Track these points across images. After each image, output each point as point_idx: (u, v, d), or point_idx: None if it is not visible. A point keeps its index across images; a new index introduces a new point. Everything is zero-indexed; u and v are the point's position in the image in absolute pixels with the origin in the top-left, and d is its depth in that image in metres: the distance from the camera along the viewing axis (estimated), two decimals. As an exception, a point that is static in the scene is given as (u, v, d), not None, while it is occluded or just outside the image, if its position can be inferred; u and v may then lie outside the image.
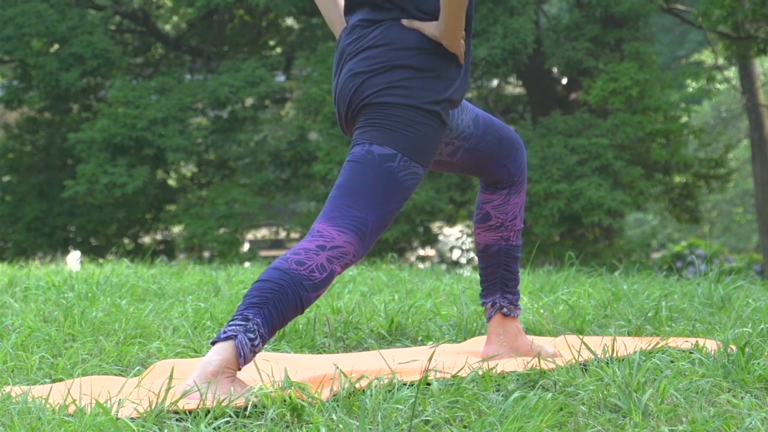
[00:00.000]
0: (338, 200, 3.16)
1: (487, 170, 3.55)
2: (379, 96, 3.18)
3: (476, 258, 3.76)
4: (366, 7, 3.28)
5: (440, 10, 3.19)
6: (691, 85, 17.45)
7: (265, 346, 3.85)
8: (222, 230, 16.34)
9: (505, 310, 3.64)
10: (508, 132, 3.56)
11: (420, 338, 4.10)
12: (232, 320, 2.98)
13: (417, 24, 3.22)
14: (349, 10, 3.34)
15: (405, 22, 3.23)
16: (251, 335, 2.96)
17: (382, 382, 2.94)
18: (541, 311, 4.52)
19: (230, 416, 2.72)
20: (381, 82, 3.18)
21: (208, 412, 2.73)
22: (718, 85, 16.96)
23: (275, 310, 3.00)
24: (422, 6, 3.23)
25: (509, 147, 3.55)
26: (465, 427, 2.66)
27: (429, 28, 3.21)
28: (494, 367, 3.17)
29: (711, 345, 3.45)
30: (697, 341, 3.49)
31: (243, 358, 2.95)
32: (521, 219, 3.65)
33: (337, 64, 3.33)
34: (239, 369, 2.96)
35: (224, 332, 2.96)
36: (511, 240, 3.63)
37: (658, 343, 3.46)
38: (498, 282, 3.64)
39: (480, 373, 3.07)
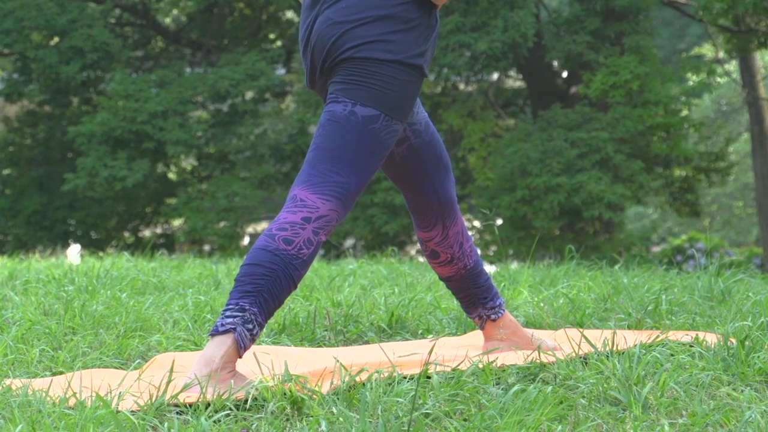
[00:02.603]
0: (319, 164, 3.09)
1: (418, 186, 3.41)
2: (361, 50, 3.08)
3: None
4: None
5: None
6: (692, 79, 17.44)
7: (265, 339, 3.86)
8: (222, 224, 16.34)
9: (492, 317, 3.62)
10: (447, 156, 3.46)
11: (420, 331, 4.11)
12: (228, 309, 2.95)
13: None
14: None
15: None
16: (249, 326, 2.95)
17: (382, 376, 2.94)
18: (542, 305, 4.52)
19: (230, 409, 2.72)
20: (364, 34, 3.08)
21: (209, 405, 2.74)
22: (718, 79, 16.97)
23: (270, 296, 2.98)
24: None
25: (444, 171, 3.44)
26: (465, 420, 2.66)
27: None
28: (494, 361, 3.17)
29: (711, 338, 3.45)
30: (697, 334, 3.49)
31: (243, 348, 2.95)
32: (467, 238, 3.54)
33: (308, 11, 3.20)
34: (239, 357, 2.96)
35: (222, 325, 2.94)
36: (468, 264, 3.56)
37: (658, 336, 3.46)
38: (474, 299, 3.61)
39: (480, 366, 3.07)
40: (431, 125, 3.43)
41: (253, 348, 3.35)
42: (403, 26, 3.11)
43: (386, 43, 3.09)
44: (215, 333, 2.95)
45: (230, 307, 2.96)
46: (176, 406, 2.76)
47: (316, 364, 3.29)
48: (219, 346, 2.93)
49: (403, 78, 3.11)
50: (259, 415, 2.70)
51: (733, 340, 3.27)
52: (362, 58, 3.09)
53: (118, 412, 2.63)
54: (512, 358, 3.31)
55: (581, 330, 3.55)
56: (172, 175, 19.17)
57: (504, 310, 3.63)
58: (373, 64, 3.09)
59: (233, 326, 2.94)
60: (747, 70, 18.23)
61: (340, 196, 3.06)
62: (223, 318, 2.96)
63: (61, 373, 3.34)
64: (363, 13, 3.10)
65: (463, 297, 3.61)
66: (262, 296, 2.97)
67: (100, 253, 9.22)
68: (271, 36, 19.87)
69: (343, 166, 3.07)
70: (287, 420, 2.68)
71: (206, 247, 17.29)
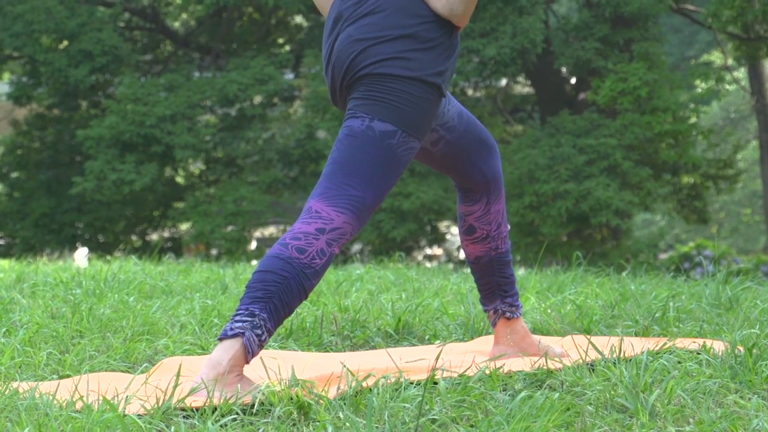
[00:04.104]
0: (336, 177, 3.10)
1: (463, 171, 3.47)
2: (380, 66, 3.10)
3: (469, 268, 3.71)
4: None
5: None
6: (700, 86, 17.43)
7: (272, 344, 3.86)
8: (230, 228, 16.35)
9: (507, 314, 3.62)
10: (487, 135, 3.49)
11: (427, 337, 4.10)
12: (237, 315, 2.96)
13: None
14: None
15: None
16: (258, 331, 2.95)
17: (389, 381, 2.94)
18: (549, 311, 4.51)
19: (237, 414, 2.72)
20: (383, 51, 3.10)
21: (215, 409, 2.74)
22: (727, 86, 16.95)
23: (280, 303, 2.98)
24: None
25: (486, 150, 3.48)
26: (472, 426, 2.66)
27: (436, 2, 3.14)
28: (501, 367, 3.17)
29: (718, 346, 3.45)
30: (704, 342, 3.48)
31: (251, 354, 2.95)
32: (505, 223, 3.59)
33: (331, 29, 3.22)
34: (247, 363, 2.96)
35: (231, 329, 2.94)
36: (500, 248, 3.58)
37: (665, 343, 3.46)
38: (495, 289, 3.62)
39: (487, 372, 3.07)
40: (464, 113, 3.44)
41: (261, 352, 3.35)
42: (423, 45, 3.13)
43: (406, 60, 3.11)
44: (224, 337, 2.95)
45: (240, 312, 2.97)
46: (183, 410, 2.77)
47: (323, 369, 3.29)
48: (227, 350, 2.93)
49: (422, 95, 3.13)
50: (265, 420, 2.70)
51: (741, 348, 3.27)
52: (381, 75, 3.11)
53: (124, 415, 2.63)
54: (519, 364, 3.31)
55: (588, 337, 3.54)
56: (180, 179, 19.20)
57: (520, 313, 3.63)
58: (391, 81, 3.11)
59: (242, 331, 2.94)
60: (756, 77, 18.22)
61: (354, 210, 3.08)
62: (232, 322, 2.96)
63: (68, 376, 3.34)
64: (384, 31, 3.13)
65: (485, 284, 3.61)
66: (272, 302, 2.97)
67: (108, 257, 9.23)
68: (280, 40, 19.89)
69: (358, 180, 3.09)
70: (294, 425, 2.68)
71: (213, 251, 17.30)
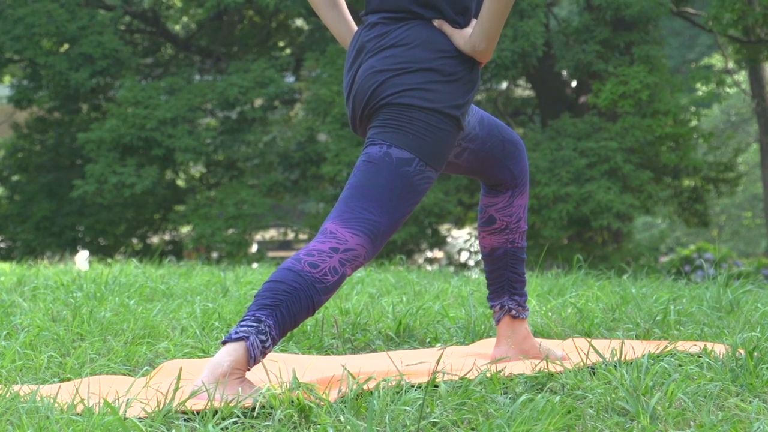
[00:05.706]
0: (352, 201, 3.13)
1: (490, 172, 3.52)
2: (400, 97, 3.13)
3: (482, 261, 3.74)
4: (386, 11, 3.23)
5: (476, 26, 3.16)
6: (701, 89, 17.44)
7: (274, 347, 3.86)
8: (230, 231, 16.35)
9: (513, 312, 3.63)
10: (510, 133, 3.54)
11: (428, 340, 4.10)
12: (244, 320, 2.97)
13: (447, 29, 3.18)
14: (370, 10, 3.30)
15: (436, 23, 3.19)
16: (263, 337, 2.95)
17: (389, 384, 2.94)
18: (550, 314, 4.51)
19: (238, 417, 2.72)
20: (404, 82, 3.13)
21: (216, 412, 2.74)
22: (727, 89, 16.96)
23: (287, 313, 2.99)
24: (454, 8, 3.21)
25: (512, 148, 3.53)
26: (473, 429, 2.66)
27: (459, 39, 3.17)
28: (502, 370, 3.17)
29: (719, 349, 3.45)
30: (705, 345, 3.48)
31: (253, 359, 2.95)
32: (525, 221, 3.63)
33: (353, 59, 3.27)
34: (248, 370, 2.96)
35: (236, 333, 2.95)
36: (517, 242, 3.61)
37: (666, 346, 3.45)
38: (505, 285, 3.63)
39: (488, 375, 3.07)
40: (485, 117, 3.48)
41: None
42: (444, 78, 3.16)
43: (426, 92, 3.14)
44: (227, 340, 2.95)
45: (246, 318, 2.97)
46: (184, 413, 2.77)
47: (323, 372, 3.29)
48: (229, 353, 2.93)
49: (440, 126, 3.15)
50: (266, 423, 2.70)
51: (742, 351, 3.27)
52: (401, 104, 3.14)
53: (125, 418, 2.63)
54: (520, 367, 3.31)
55: (589, 340, 3.54)
56: (180, 182, 19.21)
57: (526, 315, 3.64)
58: (411, 111, 3.14)
59: (246, 335, 2.94)
60: (756, 80, 18.22)
61: (369, 233, 3.10)
62: (237, 327, 2.97)
63: (69, 379, 3.34)
64: (405, 63, 3.16)
65: (496, 278, 3.62)
66: (279, 310, 2.97)
67: (109, 260, 9.23)
68: (281, 44, 19.90)
69: (374, 204, 3.11)
70: (294, 428, 2.68)
71: (214, 255, 17.30)
